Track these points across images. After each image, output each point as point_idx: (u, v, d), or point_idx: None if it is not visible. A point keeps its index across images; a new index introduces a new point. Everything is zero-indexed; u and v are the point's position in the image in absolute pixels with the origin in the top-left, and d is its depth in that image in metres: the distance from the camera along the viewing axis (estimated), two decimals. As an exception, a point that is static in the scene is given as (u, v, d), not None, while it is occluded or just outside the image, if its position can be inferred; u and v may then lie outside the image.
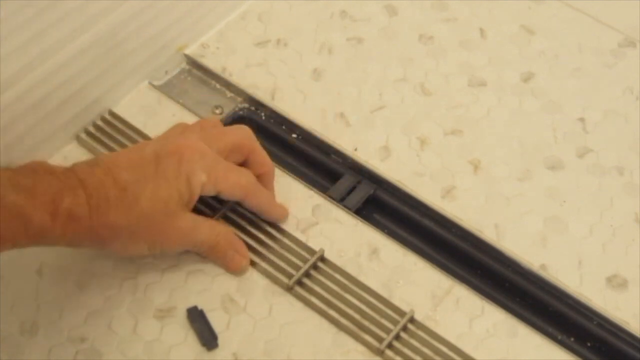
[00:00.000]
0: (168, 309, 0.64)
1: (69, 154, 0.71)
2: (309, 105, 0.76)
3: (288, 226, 0.68)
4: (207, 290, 0.65)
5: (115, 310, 0.63)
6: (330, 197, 0.70)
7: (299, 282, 0.65)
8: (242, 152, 0.66)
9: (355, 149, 0.73)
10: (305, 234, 0.68)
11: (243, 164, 0.66)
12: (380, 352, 0.62)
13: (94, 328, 0.62)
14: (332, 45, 0.80)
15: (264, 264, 0.66)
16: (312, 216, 0.69)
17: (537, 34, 0.82)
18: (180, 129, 0.67)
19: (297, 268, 0.65)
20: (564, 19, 0.83)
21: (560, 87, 0.78)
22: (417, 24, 0.82)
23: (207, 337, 0.62)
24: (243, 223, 0.67)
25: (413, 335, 0.63)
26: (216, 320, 0.63)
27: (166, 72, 0.78)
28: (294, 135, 0.75)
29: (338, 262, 0.66)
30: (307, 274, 0.65)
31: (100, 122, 0.73)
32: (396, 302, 0.64)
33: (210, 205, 0.67)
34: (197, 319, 0.63)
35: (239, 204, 0.67)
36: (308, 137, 0.74)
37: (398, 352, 0.62)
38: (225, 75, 0.77)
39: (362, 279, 0.65)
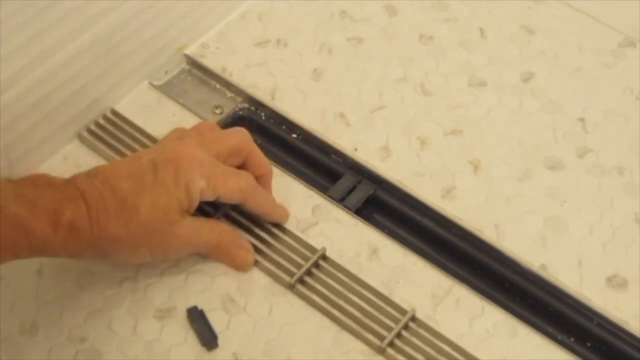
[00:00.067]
0: (168, 309, 0.64)
1: (69, 153, 0.71)
2: (309, 105, 0.76)
3: (289, 225, 0.68)
4: (207, 290, 0.65)
5: (115, 310, 0.63)
6: (330, 197, 0.70)
7: (301, 280, 0.65)
8: (240, 155, 0.66)
9: (355, 149, 0.73)
10: (305, 234, 0.68)
11: (241, 166, 0.66)
12: (381, 351, 0.62)
13: (94, 328, 0.62)
14: (332, 45, 0.80)
15: (265, 263, 0.66)
16: (312, 216, 0.69)
17: (537, 34, 0.82)
18: (177, 134, 0.67)
19: (299, 266, 0.65)
20: (564, 19, 0.83)
21: (560, 87, 0.78)
22: (417, 24, 0.82)
23: (207, 337, 0.62)
24: (245, 221, 0.67)
25: (414, 333, 0.63)
26: (216, 320, 0.63)
27: (166, 72, 0.78)
28: (294, 135, 0.75)
29: (338, 261, 0.66)
30: (308, 272, 0.65)
31: (102, 121, 0.73)
32: (396, 301, 0.64)
33: (212, 204, 0.67)
34: (197, 319, 0.63)
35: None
36: (308, 137, 0.74)
37: (399, 351, 0.62)
38: (225, 75, 0.77)
39: (363, 278, 0.65)
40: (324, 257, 0.66)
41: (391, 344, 0.62)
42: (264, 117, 0.76)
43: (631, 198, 0.71)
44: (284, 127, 0.75)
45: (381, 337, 0.62)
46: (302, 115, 0.75)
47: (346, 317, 0.63)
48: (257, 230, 0.67)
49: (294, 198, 0.69)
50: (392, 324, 0.63)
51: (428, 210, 0.70)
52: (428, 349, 0.62)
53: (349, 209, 0.70)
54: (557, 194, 0.71)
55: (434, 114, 0.76)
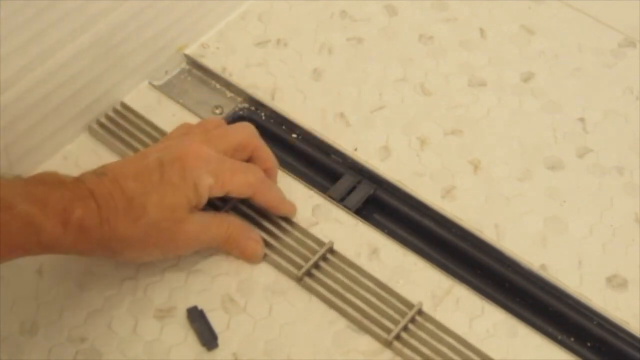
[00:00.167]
0: (168, 309, 0.64)
1: (69, 153, 0.71)
2: (309, 105, 0.76)
3: (296, 219, 0.68)
4: (207, 290, 0.65)
5: (115, 310, 0.63)
6: (330, 197, 0.70)
7: (309, 273, 0.65)
8: (246, 150, 0.66)
9: (355, 149, 0.73)
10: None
11: (247, 161, 0.66)
12: (388, 343, 0.62)
13: (94, 328, 0.62)
14: (332, 45, 0.80)
15: (273, 255, 0.66)
16: (312, 216, 0.69)
17: (537, 34, 0.82)
18: (183, 130, 0.67)
19: (307, 259, 0.65)
20: (564, 19, 0.83)
21: (560, 87, 0.78)
22: (417, 24, 0.82)
23: (207, 337, 0.62)
24: (253, 215, 0.67)
25: (421, 327, 0.63)
26: (216, 320, 0.63)
27: (166, 72, 0.78)
28: (294, 135, 0.75)
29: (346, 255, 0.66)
30: (316, 266, 0.65)
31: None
32: (396, 302, 0.64)
33: (220, 198, 0.67)
34: (197, 319, 0.63)
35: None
36: (308, 137, 0.74)
37: (406, 344, 0.62)
38: (225, 75, 0.77)
39: (370, 272, 0.66)
40: (331, 251, 0.67)
41: (398, 337, 0.62)
42: (264, 117, 0.76)
43: (631, 198, 0.71)
44: (284, 127, 0.75)
45: (388, 330, 0.62)
46: (302, 115, 0.75)
47: (353, 310, 0.63)
48: (265, 224, 0.67)
49: (294, 198, 0.69)
50: (398, 318, 0.63)
51: (428, 210, 0.70)
52: (434, 343, 0.62)
53: (349, 209, 0.70)
54: (557, 194, 0.71)
55: (434, 114, 0.76)
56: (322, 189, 0.71)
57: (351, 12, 0.83)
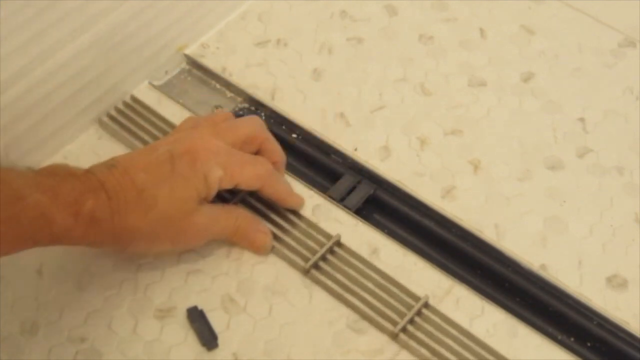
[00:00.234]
0: (168, 309, 0.64)
1: (69, 153, 0.71)
2: (309, 105, 0.76)
3: (304, 211, 0.69)
4: (207, 290, 0.65)
5: (115, 310, 0.63)
6: (330, 197, 0.70)
7: (315, 266, 0.65)
8: (254, 143, 0.66)
9: (355, 149, 0.73)
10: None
11: (255, 154, 0.67)
12: (394, 336, 0.62)
13: (94, 328, 0.62)
14: (332, 45, 0.80)
15: (281, 248, 0.66)
16: (312, 216, 0.69)
17: (537, 34, 0.82)
18: (191, 123, 0.67)
19: (314, 252, 0.66)
20: (564, 19, 0.83)
21: (560, 87, 0.78)
22: (417, 24, 0.82)
23: (207, 337, 0.62)
24: (261, 207, 0.68)
25: (427, 320, 0.63)
26: (216, 320, 0.63)
27: (166, 72, 0.78)
28: (294, 135, 0.75)
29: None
30: (323, 258, 0.66)
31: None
32: (410, 288, 0.65)
33: (229, 190, 0.67)
34: (197, 319, 0.63)
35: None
36: (308, 137, 0.74)
37: (412, 336, 0.62)
38: (225, 75, 0.77)
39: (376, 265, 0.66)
40: (338, 244, 0.67)
41: (404, 330, 0.62)
42: (264, 117, 0.76)
43: (631, 198, 0.71)
44: (284, 127, 0.75)
45: (394, 323, 0.63)
46: (302, 115, 0.75)
47: (360, 303, 0.64)
48: (273, 216, 0.68)
49: (294, 198, 0.69)
50: (405, 310, 0.63)
51: (428, 210, 0.70)
52: (440, 336, 0.62)
53: (349, 209, 0.70)
54: (557, 194, 0.71)
55: (434, 114, 0.76)
56: (322, 189, 0.71)
57: (351, 12, 0.83)
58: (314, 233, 0.67)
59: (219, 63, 0.78)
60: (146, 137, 0.72)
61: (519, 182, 0.72)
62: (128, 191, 0.59)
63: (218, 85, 0.78)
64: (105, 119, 0.73)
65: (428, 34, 0.81)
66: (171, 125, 0.72)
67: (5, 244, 0.54)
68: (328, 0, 0.83)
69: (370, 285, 0.65)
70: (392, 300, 0.64)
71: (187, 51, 0.79)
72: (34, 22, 0.63)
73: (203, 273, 0.66)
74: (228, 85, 0.77)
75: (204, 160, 0.62)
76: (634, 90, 0.78)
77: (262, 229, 0.66)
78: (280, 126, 0.75)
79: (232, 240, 0.66)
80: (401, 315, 0.63)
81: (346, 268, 0.65)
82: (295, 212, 0.68)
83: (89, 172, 0.59)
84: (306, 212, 0.69)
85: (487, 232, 0.69)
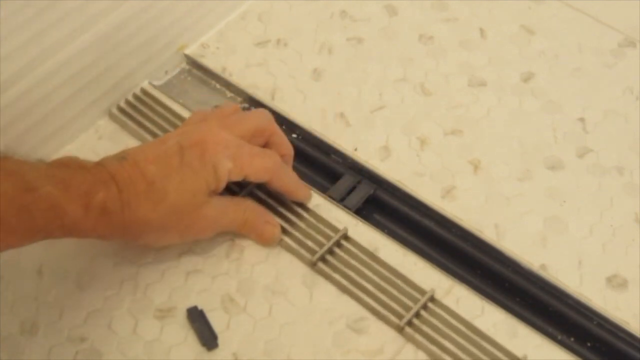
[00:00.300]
0: (168, 309, 0.64)
1: (69, 152, 0.71)
2: (309, 105, 0.76)
3: (312, 204, 0.69)
4: (207, 290, 0.65)
5: (115, 310, 0.63)
6: (330, 197, 0.70)
7: (323, 259, 0.65)
8: (263, 136, 0.66)
9: (355, 149, 0.73)
10: (306, 234, 0.68)
11: (264, 146, 0.67)
12: (400, 329, 0.62)
13: (94, 328, 0.62)
14: (332, 45, 0.80)
15: (288, 240, 0.66)
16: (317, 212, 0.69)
17: (537, 34, 0.82)
18: (200, 116, 0.67)
19: (321, 245, 0.66)
20: (564, 19, 0.83)
21: (560, 87, 0.78)
22: (417, 24, 0.82)
23: (207, 337, 0.62)
24: (268, 200, 0.68)
25: (433, 313, 0.63)
26: (216, 320, 0.63)
27: (166, 72, 0.78)
28: (294, 135, 0.75)
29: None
30: (330, 251, 0.66)
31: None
32: (416, 282, 0.65)
33: (237, 183, 0.67)
34: (197, 319, 0.63)
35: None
36: (308, 137, 0.74)
37: (417, 330, 0.63)
38: (225, 75, 0.77)
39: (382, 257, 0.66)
40: (345, 237, 0.67)
41: (410, 323, 0.63)
42: (264, 117, 0.76)
43: (631, 198, 0.71)
44: (284, 127, 0.75)
45: (400, 316, 0.63)
46: (302, 115, 0.75)
47: (366, 296, 0.64)
48: (281, 209, 0.68)
49: (294, 198, 0.70)
50: (411, 304, 0.63)
51: (428, 210, 0.70)
52: (446, 329, 0.63)
53: (349, 209, 0.70)
54: (557, 194, 0.71)
55: (434, 114, 0.76)
56: (322, 189, 0.71)
57: (351, 12, 0.83)
58: (322, 226, 0.67)
59: (219, 63, 0.78)
60: (147, 136, 0.72)
61: (519, 182, 0.72)
62: (138, 183, 0.59)
63: (218, 85, 0.78)
64: (115, 111, 0.74)
65: (428, 34, 0.81)
66: (169, 121, 0.72)
67: (17, 235, 0.54)
68: (328, 0, 0.83)
69: (376, 278, 0.65)
70: (398, 294, 0.64)
71: (187, 51, 0.79)
72: (34, 22, 0.63)
73: (203, 273, 0.66)
74: (228, 85, 0.77)
75: (213, 153, 0.62)
76: (634, 90, 0.78)
77: (270, 221, 0.66)
78: (281, 126, 0.75)
79: (240, 232, 0.66)
80: (407, 308, 0.63)
81: (353, 261, 0.66)
82: (303, 205, 0.69)
83: (100, 164, 0.59)
84: (312, 207, 0.69)
85: (487, 232, 0.69)
